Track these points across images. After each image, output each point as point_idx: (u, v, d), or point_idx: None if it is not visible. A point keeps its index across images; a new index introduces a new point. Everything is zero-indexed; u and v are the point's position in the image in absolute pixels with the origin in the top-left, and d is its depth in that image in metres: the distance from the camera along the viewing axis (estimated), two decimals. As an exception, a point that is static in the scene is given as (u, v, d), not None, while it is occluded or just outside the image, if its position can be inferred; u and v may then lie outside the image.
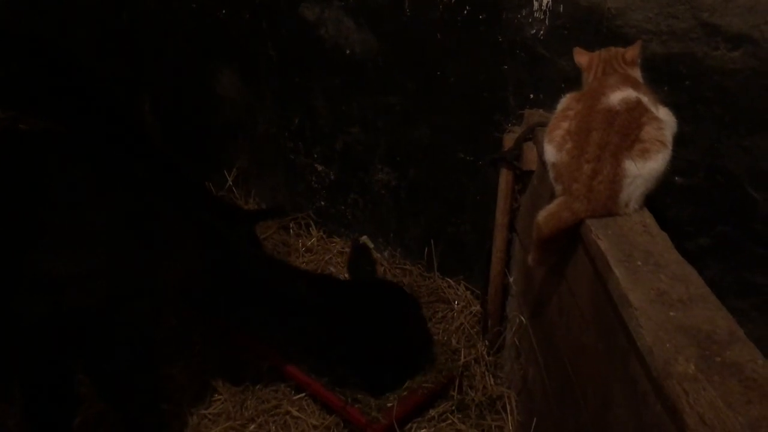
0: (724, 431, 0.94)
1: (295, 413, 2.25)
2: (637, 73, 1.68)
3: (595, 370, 1.46)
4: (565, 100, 1.71)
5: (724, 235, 1.93)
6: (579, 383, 1.58)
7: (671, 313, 1.20)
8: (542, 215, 1.56)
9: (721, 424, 0.95)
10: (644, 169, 1.52)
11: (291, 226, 3.07)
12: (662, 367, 1.09)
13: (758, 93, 1.79)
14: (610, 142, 1.50)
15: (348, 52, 2.59)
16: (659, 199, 1.74)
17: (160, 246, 1.94)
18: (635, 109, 1.53)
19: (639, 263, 1.35)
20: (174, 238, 1.98)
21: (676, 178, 1.94)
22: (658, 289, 1.26)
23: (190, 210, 2.14)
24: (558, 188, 1.57)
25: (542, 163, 1.99)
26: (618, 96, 1.55)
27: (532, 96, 2.21)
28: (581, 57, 1.74)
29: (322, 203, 2.98)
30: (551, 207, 1.55)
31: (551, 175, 1.60)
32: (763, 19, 1.73)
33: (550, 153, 1.59)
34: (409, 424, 2.18)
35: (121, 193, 1.89)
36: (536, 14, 2.12)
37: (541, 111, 2.17)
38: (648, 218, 1.54)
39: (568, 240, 1.62)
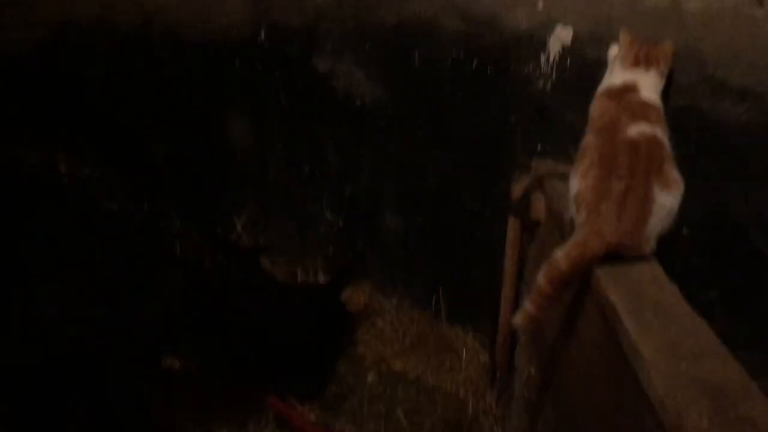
0: (740, 488, 0.93)
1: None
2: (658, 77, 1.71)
3: (606, 423, 1.45)
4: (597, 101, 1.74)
5: (733, 287, 1.93)
6: (591, 439, 1.56)
7: (683, 366, 1.19)
8: (562, 250, 1.51)
9: (736, 481, 0.94)
10: (667, 200, 1.52)
11: (299, 271, 3.08)
12: (674, 421, 1.08)
13: (764, 146, 1.81)
14: (639, 164, 1.51)
15: (358, 102, 2.65)
16: (668, 251, 1.74)
17: (151, 289, 1.97)
18: (654, 142, 1.55)
19: (649, 315, 1.34)
20: (162, 282, 2.02)
21: (684, 229, 1.95)
22: (669, 342, 1.26)
23: (182, 251, 2.17)
24: (581, 216, 1.54)
25: (551, 213, 2.02)
26: (635, 129, 1.56)
27: (539, 147, 2.25)
28: (624, 36, 1.77)
29: (331, 250, 3.00)
30: (574, 238, 1.52)
31: (573, 207, 1.59)
32: (766, 75, 1.77)
33: (574, 185, 1.60)
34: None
35: (110, 240, 1.93)
36: (543, 68, 2.17)
37: (548, 161, 2.20)
38: (657, 269, 1.54)
39: (576, 288, 1.62)
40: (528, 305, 1.57)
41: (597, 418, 1.51)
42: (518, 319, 1.60)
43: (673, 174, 1.56)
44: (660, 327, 1.31)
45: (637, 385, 1.23)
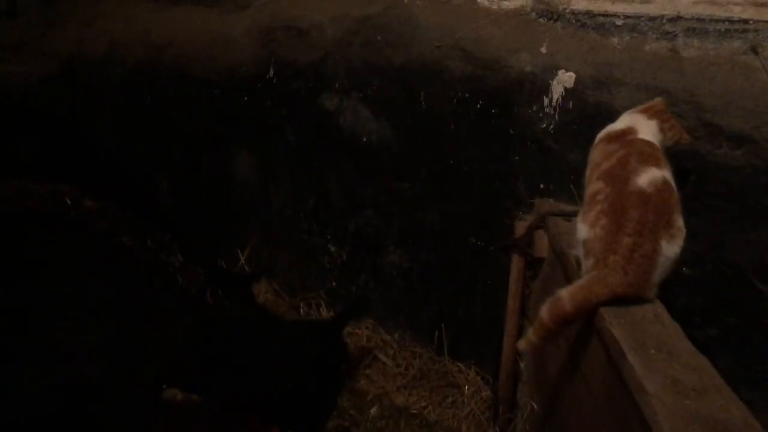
0: None
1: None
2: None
3: (610, 458, 1.47)
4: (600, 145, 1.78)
5: (733, 326, 1.97)
6: (594, 473, 1.58)
7: (686, 402, 1.23)
8: (567, 290, 1.57)
9: None
10: (671, 251, 1.57)
11: (301, 305, 3.11)
12: (680, 456, 1.11)
13: (761, 189, 1.87)
14: (648, 220, 1.55)
15: (365, 139, 2.71)
16: (668, 290, 1.78)
17: (159, 318, 2.00)
18: (664, 191, 1.58)
19: (652, 351, 1.38)
20: (170, 311, 2.05)
21: (684, 269, 1.99)
22: (672, 378, 1.29)
23: (183, 285, 2.21)
24: (589, 263, 1.60)
25: (553, 250, 2.07)
26: (645, 179, 1.59)
27: (542, 186, 2.30)
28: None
29: (334, 284, 3.03)
30: (581, 281, 1.58)
31: (581, 252, 1.64)
32: (763, 121, 1.84)
33: (582, 231, 1.64)
34: None
35: (123, 273, 1.97)
36: (546, 110, 2.24)
37: (550, 200, 2.26)
38: (659, 308, 1.58)
39: (580, 325, 1.66)
40: (531, 335, 1.63)
41: (601, 454, 1.54)
42: (522, 345, 1.68)
43: (679, 223, 1.60)
44: (663, 363, 1.35)
45: (641, 419, 1.26)
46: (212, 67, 3.21)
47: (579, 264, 1.70)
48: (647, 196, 1.58)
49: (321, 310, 3.05)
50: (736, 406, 1.22)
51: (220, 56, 3.18)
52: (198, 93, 3.27)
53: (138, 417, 2.08)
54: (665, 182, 1.61)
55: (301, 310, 3.08)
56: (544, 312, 1.61)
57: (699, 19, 1.98)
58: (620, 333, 1.45)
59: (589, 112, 2.14)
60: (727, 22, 1.94)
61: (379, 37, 2.61)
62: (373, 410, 2.49)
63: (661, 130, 1.74)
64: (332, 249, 2.99)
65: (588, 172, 1.74)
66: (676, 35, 2.00)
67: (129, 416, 1.99)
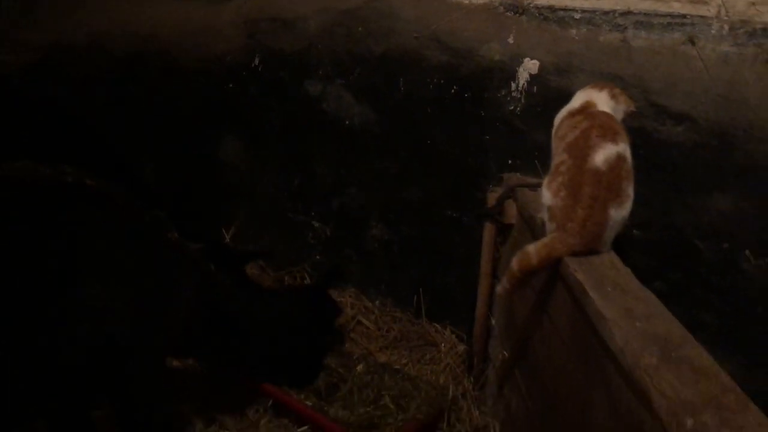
0: (679, 401, 1.24)
1: (300, 443, 2.45)
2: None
3: (575, 382, 1.75)
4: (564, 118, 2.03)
5: (676, 280, 2.28)
6: (560, 398, 1.86)
7: (637, 324, 1.51)
8: (533, 246, 1.85)
9: (677, 396, 1.25)
10: (620, 215, 1.86)
11: (285, 278, 3.32)
12: (632, 362, 1.39)
13: (698, 161, 2.18)
14: (599, 195, 1.82)
15: (348, 123, 2.95)
16: (622, 250, 2.08)
17: (172, 284, 2.18)
18: (616, 166, 1.83)
19: (609, 289, 1.67)
20: (183, 276, 2.23)
21: (635, 232, 2.30)
22: (625, 307, 1.58)
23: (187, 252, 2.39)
24: (552, 226, 1.88)
25: (522, 216, 2.35)
26: (601, 156, 1.83)
27: (510, 162, 2.58)
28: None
29: (318, 257, 3.25)
30: (545, 239, 1.85)
31: (546, 215, 1.92)
32: (699, 101, 2.15)
33: (547, 197, 1.90)
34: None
35: (141, 233, 2.14)
36: (514, 94, 2.52)
37: (518, 174, 2.54)
38: (614, 258, 1.87)
39: (547, 277, 1.94)
40: (505, 282, 1.96)
41: (567, 382, 1.82)
42: (499, 290, 2.00)
43: (628, 191, 1.87)
44: (618, 297, 1.63)
45: (601, 341, 1.54)
46: (198, 56, 3.39)
47: (544, 225, 1.98)
48: (601, 174, 1.84)
49: (305, 282, 3.27)
50: (676, 326, 1.52)
51: (206, 46, 3.37)
52: (185, 81, 3.45)
53: (154, 376, 2.26)
54: (618, 157, 1.87)
55: (286, 283, 3.29)
56: (514, 263, 1.90)
57: (646, 14, 2.28)
58: (582, 276, 1.73)
59: (551, 96, 2.42)
60: (669, 17, 2.25)
61: (360, 29, 2.85)
62: (359, 367, 2.72)
63: (612, 97, 1.99)
64: (316, 225, 3.22)
65: (554, 145, 2.01)
66: (626, 28, 2.30)
67: (147, 375, 2.16)
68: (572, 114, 2.00)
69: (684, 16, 2.22)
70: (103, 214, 2.07)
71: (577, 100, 2.06)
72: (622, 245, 2.02)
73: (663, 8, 2.25)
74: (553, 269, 1.90)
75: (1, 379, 1.76)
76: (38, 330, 1.81)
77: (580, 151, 1.89)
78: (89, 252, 1.94)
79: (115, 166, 3.68)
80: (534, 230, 2.15)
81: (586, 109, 1.96)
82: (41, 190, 2.07)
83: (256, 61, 3.20)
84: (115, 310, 1.94)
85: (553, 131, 2.06)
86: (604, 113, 1.93)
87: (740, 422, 1.19)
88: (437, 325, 2.89)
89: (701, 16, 2.19)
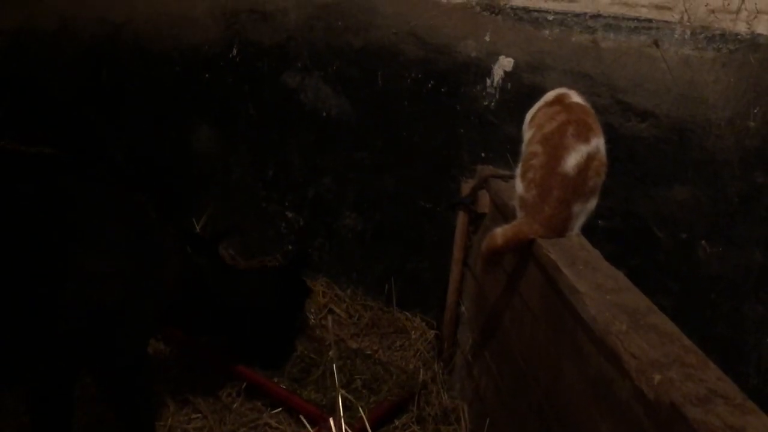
0: (647, 360, 1.35)
1: (274, 424, 2.49)
2: None
3: (545, 353, 1.86)
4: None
5: (636, 266, 2.41)
6: (530, 371, 1.97)
7: (607, 297, 1.62)
8: (501, 228, 1.96)
9: (645, 357, 1.36)
10: (585, 209, 1.98)
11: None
12: (603, 329, 1.49)
13: (660, 155, 2.33)
14: (566, 198, 1.93)
15: (325, 114, 3.02)
16: (587, 238, 2.20)
17: (160, 253, 2.22)
18: (585, 168, 1.93)
19: (581, 267, 1.78)
20: (167, 249, 2.28)
21: (599, 221, 2.43)
22: (596, 283, 1.69)
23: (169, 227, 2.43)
24: (521, 213, 1.99)
25: (495, 205, 2.46)
26: (572, 161, 1.92)
27: (483, 154, 2.70)
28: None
29: (290, 247, 3.31)
30: (513, 222, 1.96)
31: (517, 203, 2.02)
32: (662, 100, 2.30)
33: (520, 188, 2.00)
34: (377, 433, 2.48)
35: (129, 207, 2.18)
36: (488, 89, 2.64)
37: (490, 166, 2.65)
38: (584, 241, 1.99)
39: (518, 259, 2.05)
40: (479, 266, 2.06)
41: (538, 354, 1.92)
42: (477, 270, 2.07)
43: (596, 186, 1.96)
44: (589, 274, 1.74)
45: (574, 312, 1.65)
46: (174, 45, 3.42)
47: (515, 212, 2.09)
48: (569, 179, 1.93)
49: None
50: (642, 299, 1.63)
51: (182, 35, 3.40)
52: (159, 69, 3.47)
53: (144, 341, 2.29)
54: (589, 157, 1.94)
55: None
56: (483, 245, 2.02)
57: (615, 17, 2.42)
58: (556, 255, 1.83)
59: (524, 92, 2.55)
60: (636, 21, 2.40)
61: (340, 23, 2.93)
62: (332, 353, 2.78)
63: None
64: (290, 215, 3.27)
65: (530, 134, 2.09)
66: (596, 30, 2.44)
67: (137, 339, 2.19)
68: (550, 103, 2.10)
69: (650, 20, 2.37)
70: (92, 185, 2.10)
71: (551, 93, 2.16)
72: (586, 235, 2.14)
73: (631, 13, 2.39)
74: (525, 251, 2.01)
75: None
76: (31, 293, 1.83)
77: (554, 150, 1.95)
78: (81, 218, 1.97)
79: (86, 151, 3.68)
80: (506, 217, 2.25)
81: (564, 99, 2.07)
82: (31, 161, 2.09)
83: (234, 52, 3.25)
84: (107, 274, 1.97)
85: (528, 119, 2.14)
86: (579, 105, 2.04)
87: (701, 377, 1.30)
88: (408, 314, 2.97)
89: (666, 21, 2.34)
